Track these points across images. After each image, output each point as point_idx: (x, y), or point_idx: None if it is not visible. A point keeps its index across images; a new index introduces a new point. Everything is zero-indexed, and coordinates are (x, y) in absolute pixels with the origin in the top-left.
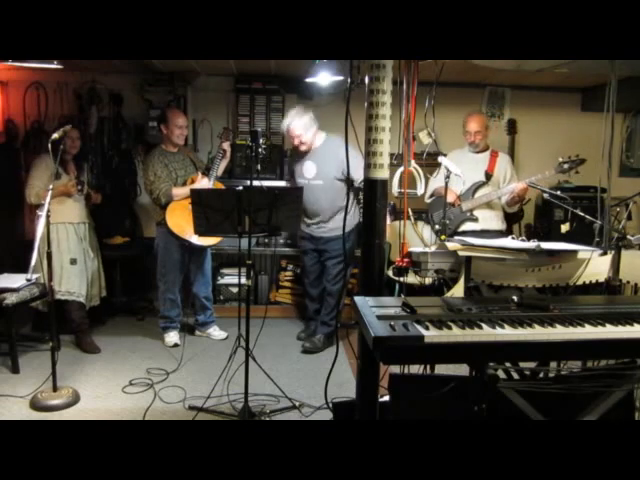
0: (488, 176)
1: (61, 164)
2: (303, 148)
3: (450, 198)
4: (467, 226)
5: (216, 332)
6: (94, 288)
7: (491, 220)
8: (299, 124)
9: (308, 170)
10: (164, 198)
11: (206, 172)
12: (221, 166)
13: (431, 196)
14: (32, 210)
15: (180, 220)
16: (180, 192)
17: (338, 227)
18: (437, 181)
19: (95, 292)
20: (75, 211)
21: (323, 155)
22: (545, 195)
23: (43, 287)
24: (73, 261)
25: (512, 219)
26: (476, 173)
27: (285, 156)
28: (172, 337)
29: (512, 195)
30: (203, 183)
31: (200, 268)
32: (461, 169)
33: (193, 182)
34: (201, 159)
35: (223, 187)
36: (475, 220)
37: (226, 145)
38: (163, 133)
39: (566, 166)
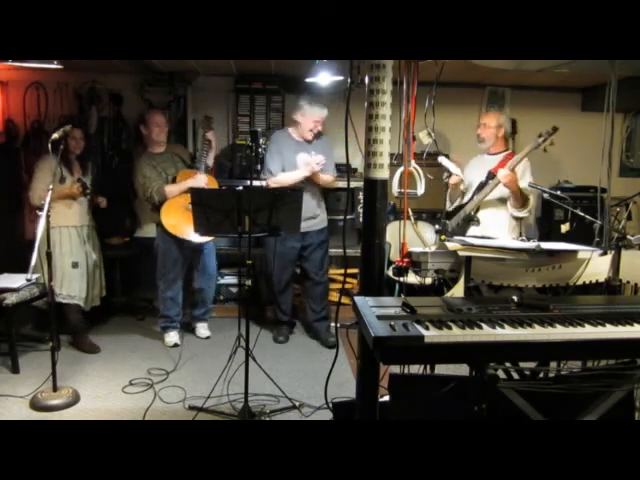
0: (490, 176)
1: (65, 165)
2: (310, 137)
3: (454, 180)
4: (471, 230)
5: (202, 330)
6: (95, 289)
7: (496, 227)
8: (324, 112)
9: (303, 160)
10: (157, 196)
11: (193, 165)
12: (210, 156)
13: (452, 205)
14: (32, 210)
15: (175, 220)
16: (173, 189)
17: (322, 220)
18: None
19: (96, 292)
20: (77, 214)
21: (318, 149)
22: (545, 195)
23: (43, 287)
24: (75, 264)
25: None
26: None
27: None
28: (172, 337)
29: (505, 188)
30: (199, 179)
31: (202, 264)
32: (477, 173)
33: (186, 177)
34: (190, 152)
35: (214, 181)
36: (477, 223)
37: (210, 134)
38: (144, 135)
39: (540, 140)
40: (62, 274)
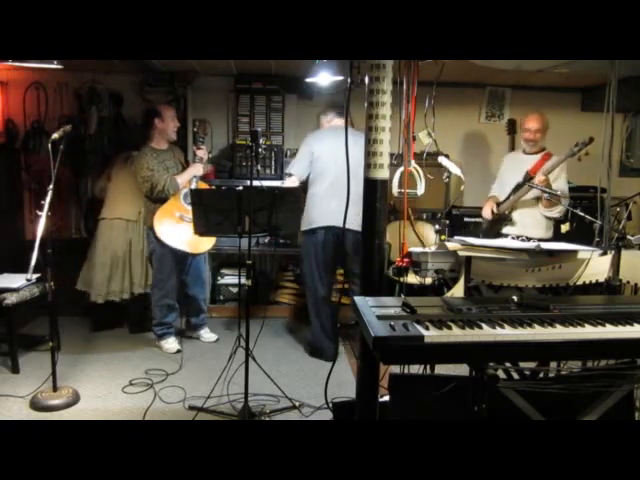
0: (527, 177)
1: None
2: None
3: (486, 213)
4: (506, 229)
5: (207, 334)
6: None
7: (532, 227)
8: None
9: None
10: (172, 188)
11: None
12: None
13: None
14: (32, 210)
15: (169, 228)
16: (183, 178)
17: None
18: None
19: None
20: (130, 206)
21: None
22: (545, 195)
23: (44, 287)
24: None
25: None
26: (522, 175)
27: (286, 156)
28: (172, 343)
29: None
30: (198, 167)
31: (195, 270)
32: (512, 172)
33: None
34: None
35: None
36: (511, 222)
37: (201, 152)
38: (157, 128)
39: (576, 149)
40: (114, 270)
